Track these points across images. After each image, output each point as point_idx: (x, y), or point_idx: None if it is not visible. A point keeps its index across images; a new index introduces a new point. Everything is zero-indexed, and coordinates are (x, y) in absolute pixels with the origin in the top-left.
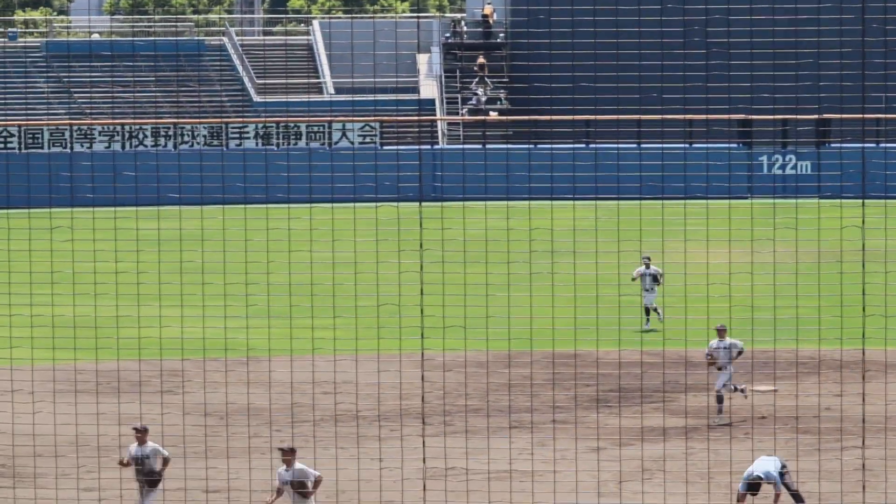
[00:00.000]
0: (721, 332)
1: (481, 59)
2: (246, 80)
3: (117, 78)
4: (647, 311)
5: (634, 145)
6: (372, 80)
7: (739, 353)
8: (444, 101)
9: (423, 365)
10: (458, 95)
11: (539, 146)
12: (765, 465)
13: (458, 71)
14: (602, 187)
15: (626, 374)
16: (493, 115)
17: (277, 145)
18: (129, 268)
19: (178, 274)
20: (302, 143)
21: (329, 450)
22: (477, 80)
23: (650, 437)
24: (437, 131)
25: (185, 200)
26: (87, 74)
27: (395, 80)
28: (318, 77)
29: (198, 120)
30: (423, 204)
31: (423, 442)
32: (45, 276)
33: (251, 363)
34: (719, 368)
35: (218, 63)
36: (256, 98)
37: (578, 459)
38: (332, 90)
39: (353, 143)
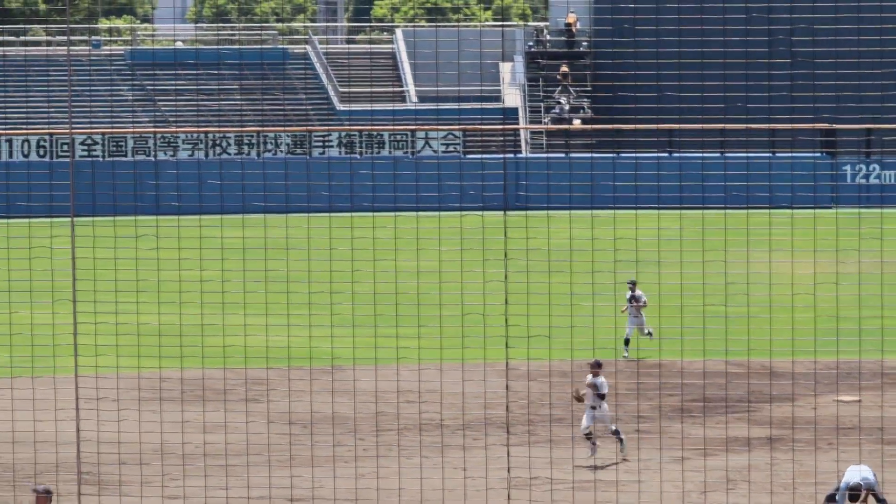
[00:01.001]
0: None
1: (564, 68)
2: (329, 88)
3: (201, 86)
4: (627, 342)
5: (718, 154)
6: (455, 88)
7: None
8: (528, 109)
9: (507, 374)
10: (542, 104)
11: (623, 155)
12: (860, 473)
13: (541, 80)
14: (687, 196)
15: (710, 384)
16: (577, 124)
17: (361, 154)
18: (214, 276)
19: (262, 282)
20: (385, 152)
21: (413, 459)
22: (560, 88)
23: (734, 448)
24: (520, 140)
25: (269, 209)
26: (172, 82)
27: (478, 88)
28: (401, 85)
29: (282, 128)
30: (508, 213)
31: (508, 451)
32: (130, 284)
33: (335, 372)
34: (593, 407)
35: (302, 71)
36: (340, 106)
37: (662, 469)
38: (415, 99)
39: (436, 151)
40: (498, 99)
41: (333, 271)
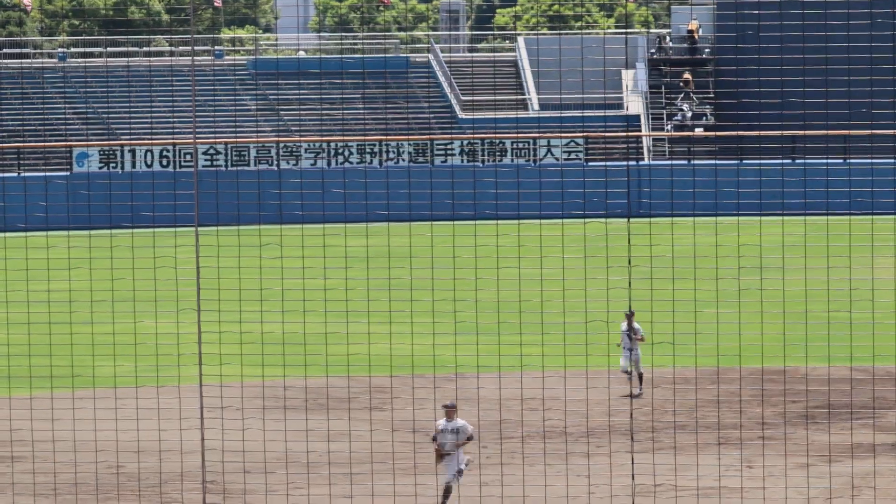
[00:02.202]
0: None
1: (687, 75)
2: (451, 97)
3: (324, 95)
4: (630, 373)
5: (842, 160)
6: (577, 96)
7: (468, 438)
8: (650, 116)
9: (630, 381)
10: (664, 111)
11: (746, 161)
12: None
13: (663, 86)
14: (811, 202)
15: (834, 391)
16: (699, 131)
17: (483, 162)
18: (338, 284)
19: (386, 290)
20: (507, 160)
21: (536, 466)
22: (682, 95)
23: (859, 454)
24: (642, 147)
25: (392, 217)
26: (294, 92)
27: (601, 96)
28: (523, 94)
29: (404, 137)
30: (631, 220)
31: (632, 458)
32: (254, 292)
33: (459, 380)
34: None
35: (424, 80)
36: (462, 115)
37: (787, 476)
38: (537, 106)
39: (558, 159)
40: (620, 106)
41: (457, 279)
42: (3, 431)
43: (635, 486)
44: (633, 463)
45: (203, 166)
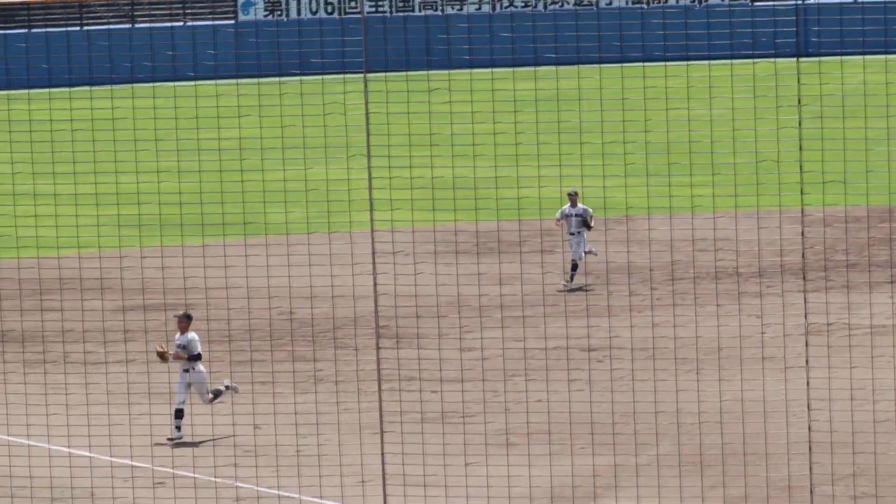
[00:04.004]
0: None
1: None
2: None
3: None
4: (575, 266)
5: None
6: None
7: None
8: None
9: (802, 221)
10: None
11: None
12: None
13: None
14: None
15: None
16: None
17: (648, 3)
18: (507, 129)
19: (555, 134)
20: (672, 1)
21: (708, 307)
22: None
23: None
24: None
25: (561, 60)
26: None
27: None
28: None
29: None
30: (801, 59)
31: (805, 297)
32: (423, 138)
33: (630, 221)
34: (571, 234)
35: None
36: None
37: None
38: None
39: (723, 0)
40: None
41: (626, 121)
42: (177, 279)
43: (808, 324)
44: (805, 302)
45: (368, 12)
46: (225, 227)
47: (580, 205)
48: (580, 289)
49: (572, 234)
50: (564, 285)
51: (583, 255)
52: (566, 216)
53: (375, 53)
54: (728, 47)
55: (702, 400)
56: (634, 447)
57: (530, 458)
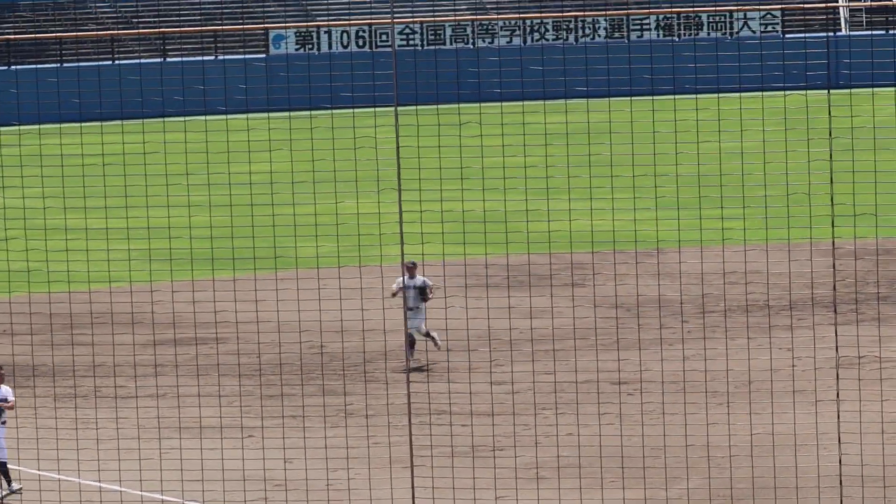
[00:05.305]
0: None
1: None
2: None
3: None
4: (413, 342)
5: None
6: None
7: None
8: None
9: (833, 253)
10: None
11: None
12: None
13: None
14: None
15: None
16: None
17: (679, 36)
18: (538, 161)
19: (586, 167)
20: (703, 34)
21: (738, 340)
22: None
23: None
24: (839, 18)
25: (591, 93)
26: None
27: None
28: None
29: (600, 13)
30: (831, 91)
31: (836, 331)
32: (454, 171)
33: (660, 255)
34: (410, 309)
35: None
36: None
37: None
38: None
39: (754, 31)
40: None
41: (657, 154)
42: (208, 313)
43: (839, 358)
44: (836, 335)
45: (399, 46)
46: (256, 260)
47: (419, 276)
48: (420, 369)
49: (410, 308)
50: (406, 368)
51: (422, 330)
52: (403, 288)
53: (406, 87)
54: (759, 79)
55: (732, 433)
56: (665, 481)
57: (560, 491)
